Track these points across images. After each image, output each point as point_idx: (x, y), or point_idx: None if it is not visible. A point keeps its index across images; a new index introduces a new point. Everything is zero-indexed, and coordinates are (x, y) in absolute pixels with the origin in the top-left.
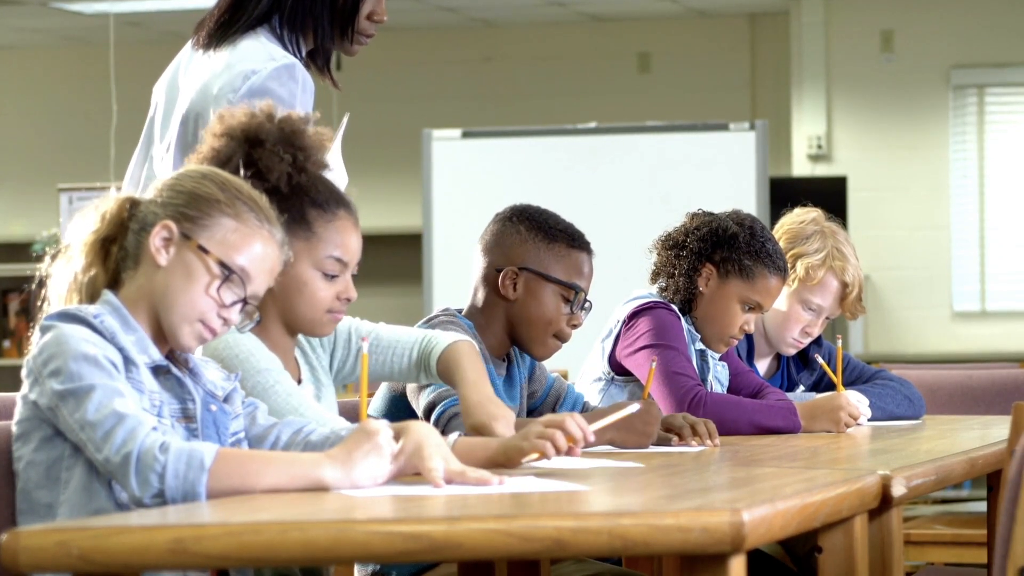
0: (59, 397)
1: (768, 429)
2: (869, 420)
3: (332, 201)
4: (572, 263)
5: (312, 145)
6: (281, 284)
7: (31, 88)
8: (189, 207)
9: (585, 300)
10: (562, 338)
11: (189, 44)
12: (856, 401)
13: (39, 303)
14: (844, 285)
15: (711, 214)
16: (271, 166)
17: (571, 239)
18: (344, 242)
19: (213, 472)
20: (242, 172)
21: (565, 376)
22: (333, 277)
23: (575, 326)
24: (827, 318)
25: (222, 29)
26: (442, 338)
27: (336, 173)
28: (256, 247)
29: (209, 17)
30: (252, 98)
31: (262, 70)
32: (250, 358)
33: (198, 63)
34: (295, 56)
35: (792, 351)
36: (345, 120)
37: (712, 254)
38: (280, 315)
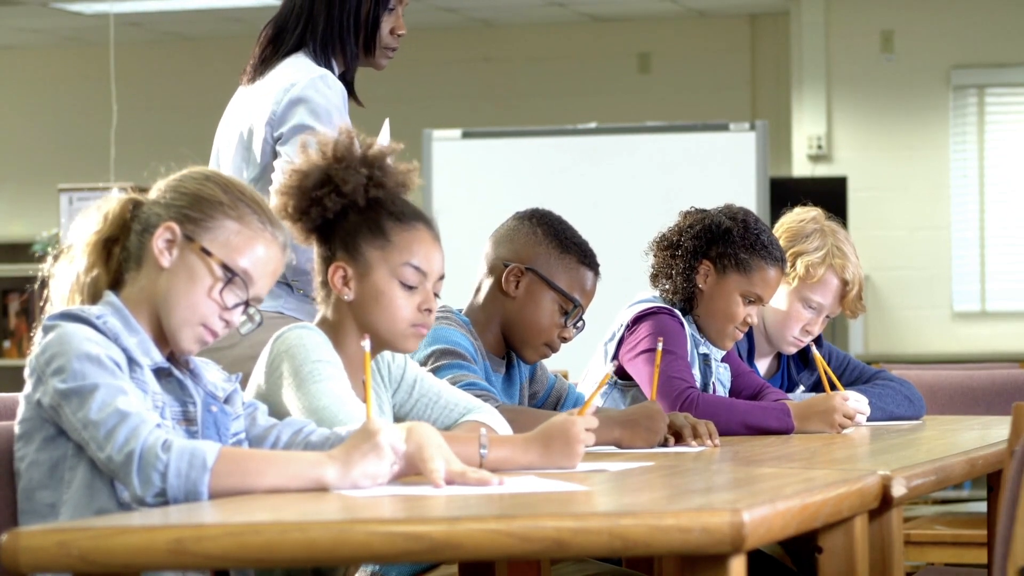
0: (62, 396)
1: (761, 430)
2: (870, 420)
3: (410, 214)
4: (578, 277)
5: (392, 170)
6: (360, 296)
7: (31, 88)
8: (192, 209)
9: (580, 318)
10: (552, 347)
11: (240, 88)
12: (855, 400)
13: (41, 303)
14: (844, 283)
15: (703, 211)
16: (347, 179)
17: (583, 255)
18: (422, 251)
19: (215, 471)
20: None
21: (565, 376)
22: (411, 288)
23: (564, 339)
24: (827, 316)
25: (264, 62)
26: (484, 413)
27: None
28: (259, 249)
29: (252, 56)
30: (292, 107)
31: (299, 81)
32: (317, 348)
33: (246, 95)
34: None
35: (793, 350)
36: (385, 125)
37: (708, 250)
38: (361, 330)
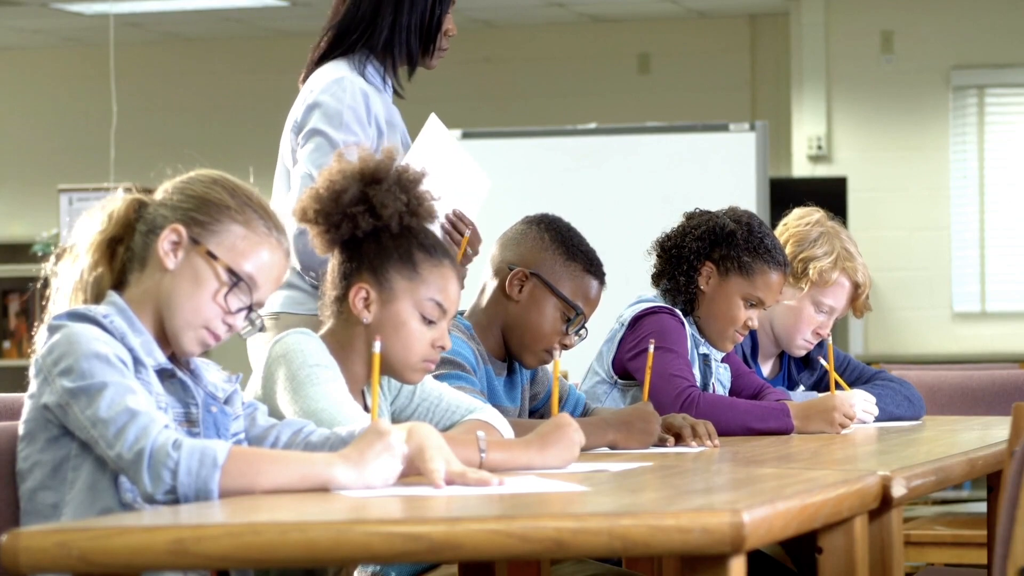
0: (70, 394)
1: (761, 430)
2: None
3: (439, 249)
4: (582, 285)
5: (425, 199)
6: (378, 321)
7: (31, 88)
8: (199, 212)
9: (582, 327)
10: (552, 354)
11: None
12: (863, 400)
13: (43, 303)
14: (856, 286)
15: (708, 213)
16: (386, 203)
17: (589, 263)
18: (446, 288)
19: (225, 470)
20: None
21: (566, 377)
22: (431, 323)
23: (565, 347)
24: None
25: (316, 62)
26: (486, 412)
27: (474, 174)
28: (264, 254)
29: (312, 51)
30: (309, 112)
31: (316, 87)
32: (314, 353)
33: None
34: (386, 79)
35: (802, 352)
36: (430, 121)
37: (711, 253)
38: (372, 354)
